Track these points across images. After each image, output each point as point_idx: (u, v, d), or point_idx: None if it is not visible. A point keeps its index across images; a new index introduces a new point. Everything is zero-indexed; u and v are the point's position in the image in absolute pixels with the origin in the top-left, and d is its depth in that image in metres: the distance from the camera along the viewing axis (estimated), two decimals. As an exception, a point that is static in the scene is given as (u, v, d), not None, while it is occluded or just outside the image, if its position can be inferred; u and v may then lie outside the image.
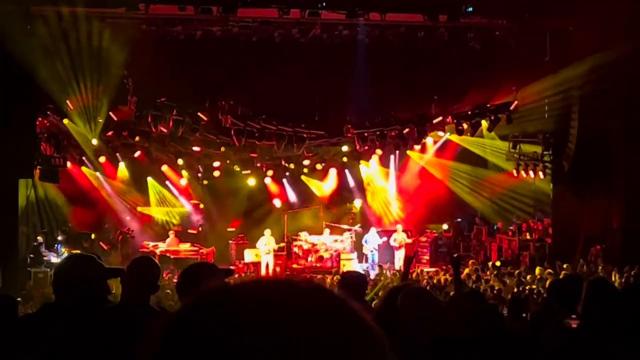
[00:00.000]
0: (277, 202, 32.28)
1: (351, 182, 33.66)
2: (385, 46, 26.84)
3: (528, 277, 21.99)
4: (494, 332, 5.76)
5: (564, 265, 23.27)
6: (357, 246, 29.71)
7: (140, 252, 27.44)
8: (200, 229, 31.18)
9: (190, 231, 30.96)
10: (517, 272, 23.24)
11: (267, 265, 27.69)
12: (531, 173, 28.69)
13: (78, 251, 25.22)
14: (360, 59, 27.46)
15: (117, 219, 31.25)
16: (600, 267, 23.46)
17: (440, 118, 29.76)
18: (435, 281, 22.16)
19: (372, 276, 25.18)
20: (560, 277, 16.73)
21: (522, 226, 30.14)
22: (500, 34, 27.19)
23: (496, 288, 19.41)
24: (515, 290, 19.01)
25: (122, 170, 31.63)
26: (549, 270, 22.43)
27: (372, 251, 29.14)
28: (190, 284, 5.58)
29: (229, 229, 31.24)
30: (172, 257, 27.50)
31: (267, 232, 28.42)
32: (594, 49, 24.65)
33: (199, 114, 28.75)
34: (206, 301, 1.43)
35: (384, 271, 25.88)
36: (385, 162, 33.44)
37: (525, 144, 29.35)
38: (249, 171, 32.02)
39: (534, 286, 19.64)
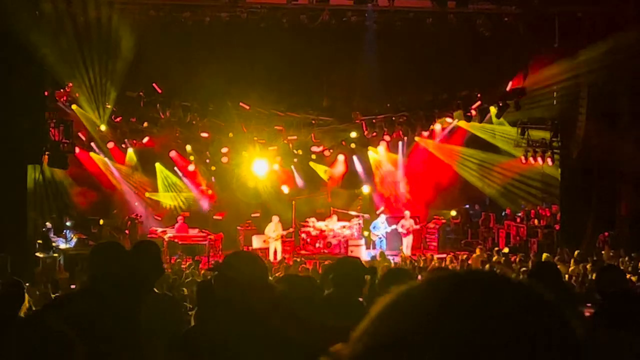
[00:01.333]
0: (285, 188, 32.26)
1: (359, 168, 33.67)
2: (394, 32, 26.76)
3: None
4: None
5: (574, 253, 23.26)
6: (365, 232, 29.74)
7: (149, 238, 27.55)
8: (211, 213, 31.31)
9: (216, 217, 31.07)
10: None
11: (275, 251, 27.69)
12: (539, 159, 28.64)
13: (85, 237, 25.49)
14: (369, 45, 27.42)
15: (126, 204, 31.31)
16: (611, 253, 23.41)
17: (448, 104, 29.73)
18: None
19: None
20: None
21: (531, 212, 30.10)
22: (509, 19, 27.08)
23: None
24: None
25: (131, 155, 31.68)
26: (557, 257, 22.41)
27: (380, 237, 29.14)
28: None
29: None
30: (180, 242, 27.53)
31: (275, 218, 28.43)
32: (602, 34, 24.57)
33: (207, 100, 28.81)
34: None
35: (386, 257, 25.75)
36: (393, 148, 33.42)
37: (533, 129, 29.30)
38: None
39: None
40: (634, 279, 17.11)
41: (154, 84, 28.44)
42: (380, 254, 25.36)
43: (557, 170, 28.70)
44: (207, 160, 32.57)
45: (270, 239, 28.02)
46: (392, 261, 24.26)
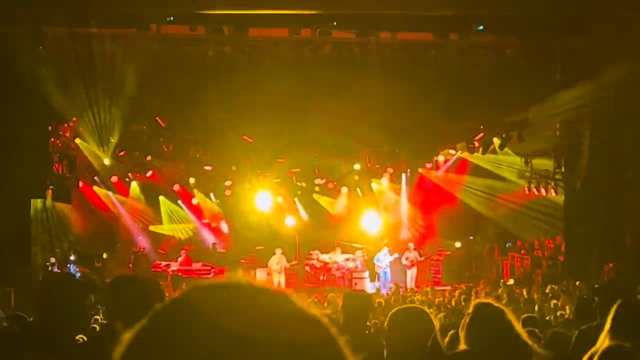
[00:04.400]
0: (288, 221, 32.21)
1: (363, 201, 33.64)
2: (396, 65, 26.82)
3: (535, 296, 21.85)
4: None
5: (577, 283, 23.17)
6: (369, 264, 29.67)
7: (152, 272, 27.57)
8: (215, 247, 31.28)
9: (219, 250, 31.03)
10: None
11: (279, 284, 27.61)
12: (543, 191, 28.62)
13: (88, 271, 25.48)
14: (371, 77, 27.46)
15: (130, 238, 31.28)
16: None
17: (451, 136, 29.79)
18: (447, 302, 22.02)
19: (383, 292, 25.16)
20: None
21: (535, 244, 30.03)
22: (511, 52, 27.17)
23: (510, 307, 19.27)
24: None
25: (135, 189, 31.69)
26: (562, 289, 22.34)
27: (384, 270, 29.07)
28: None
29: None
30: (184, 276, 27.48)
31: (279, 250, 28.41)
32: (604, 66, 24.63)
33: (210, 133, 28.92)
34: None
35: (399, 290, 25.67)
36: (397, 180, 33.42)
37: (537, 160, 29.29)
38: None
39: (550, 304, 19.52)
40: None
41: (157, 118, 28.50)
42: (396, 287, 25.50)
43: (562, 201, 28.66)
44: (211, 194, 32.56)
45: (273, 272, 27.97)
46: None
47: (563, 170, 28.19)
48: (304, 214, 33.00)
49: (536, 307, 18.79)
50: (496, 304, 5.28)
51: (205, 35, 25.56)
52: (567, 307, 17.88)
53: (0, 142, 22.49)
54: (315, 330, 1.40)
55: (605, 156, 25.94)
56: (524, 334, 5.05)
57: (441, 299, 22.40)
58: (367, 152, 31.06)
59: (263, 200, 32.01)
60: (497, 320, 5.06)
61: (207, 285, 1.44)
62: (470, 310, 5.20)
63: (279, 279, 27.87)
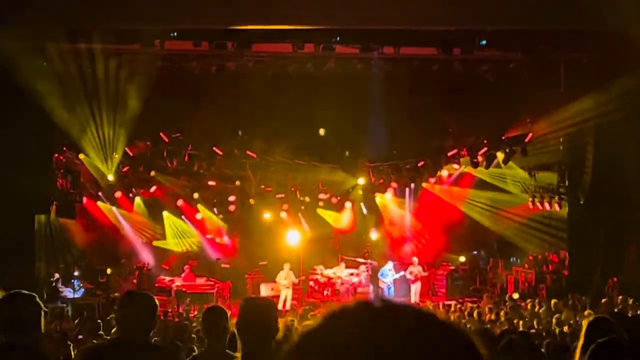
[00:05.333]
0: (293, 236, 32.14)
1: (367, 215, 33.62)
2: (400, 79, 26.85)
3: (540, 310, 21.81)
4: None
5: (583, 298, 23.15)
6: (373, 279, 29.65)
7: (156, 287, 27.54)
8: (219, 262, 31.27)
9: (223, 266, 31.00)
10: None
11: (286, 299, 27.60)
12: (547, 205, 28.60)
13: (92, 286, 25.47)
14: (375, 92, 27.48)
15: (134, 253, 31.25)
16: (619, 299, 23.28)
17: (455, 151, 29.79)
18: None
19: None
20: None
21: (539, 258, 30.01)
22: (514, 66, 27.21)
23: (514, 322, 19.24)
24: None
25: (139, 204, 31.69)
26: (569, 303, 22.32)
27: (388, 285, 29.04)
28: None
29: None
30: (187, 291, 27.46)
31: (287, 266, 28.34)
32: (608, 78, 24.64)
33: (214, 148, 28.93)
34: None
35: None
36: (400, 194, 33.42)
37: (542, 174, 29.29)
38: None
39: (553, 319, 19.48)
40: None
41: (161, 133, 28.53)
42: None
43: (566, 216, 28.63)
44: (215, 209, 32.56)
45: (281, 287, 27.94)
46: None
47: (567, 184, 28.18)
48: (307, 229, 32.94)
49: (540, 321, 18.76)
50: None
51: (208, 50, 25.63)
52: (571, 321, 17.87)
53: (4, 157, 22.51)
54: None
55: (609, 170, 25.92)
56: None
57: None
58: (370, 167, 31.04)
59: (267, 215, 32.07)
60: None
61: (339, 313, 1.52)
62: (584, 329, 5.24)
63: (287, 294, 27.82)
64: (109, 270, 29.10)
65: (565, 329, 16.19)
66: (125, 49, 25.42)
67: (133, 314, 5.91)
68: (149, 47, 24.74)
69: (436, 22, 21.86)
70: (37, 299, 5.82)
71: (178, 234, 32.55)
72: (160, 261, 31.43)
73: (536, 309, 21.79)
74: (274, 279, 28.41)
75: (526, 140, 28.31)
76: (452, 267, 31.46)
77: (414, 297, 28.27)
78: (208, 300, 26.65)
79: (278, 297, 27.72)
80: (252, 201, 31.96)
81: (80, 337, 16.73)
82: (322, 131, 29.68)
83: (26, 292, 5.85)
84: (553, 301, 22.32)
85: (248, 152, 29.82)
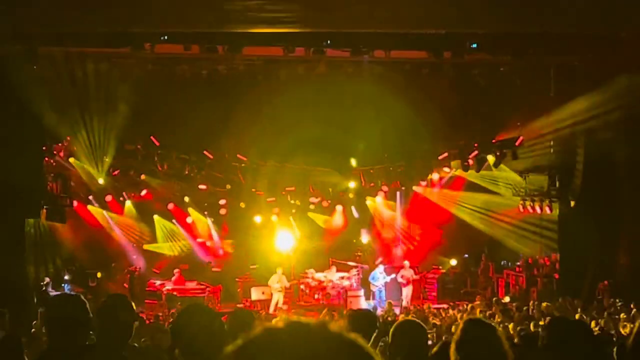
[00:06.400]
0: (283, 239, 32.11)
1: (358, 219, 33.61)
2: (390, 83, 26.85)
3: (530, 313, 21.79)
4: None
5: (575, 301, 23.16)
6: (364, 283, 29.64)
7: (147, 291, 27.52)
8: (209, 266, 31.25)
9: (214, 269, 30.96)
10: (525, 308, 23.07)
11: (277, 303, 27.60)
12: (537, 208, 28.61)
13: (83, 290, 25.38)
14: (366, 96, 27.47)
15: (124, 257, 31.20)
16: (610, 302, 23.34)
17: (445, 154, 29.81)
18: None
19: (379, 312, 25.10)
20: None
21: (530, 261, 30.03)
22: (505, 70, 27.27)
23: (506, 324, 19.23)
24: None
25: (129, 208, 31.64)
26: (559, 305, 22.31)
27: (379, 288, 29.03)
28: None
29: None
30: (178, 295, 27.43)
31: (279, 270, 28.35)
32: (598, 82, 24.68)
33: (205, 152, 28.92)
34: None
35: (392, 307, 25.65)
36: (391, 198, 33.42)
37: (533, 177, 29.30)
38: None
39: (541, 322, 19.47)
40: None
41: (151, 137, 28.49)
42: (389, 305, 25.47)
43: (557, 219, 28.65)
44: (205, 212, 32.54)
45: (274, 290, 27.93)
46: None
47: (557, 187, 28.21)
48: (298, 233, 32.91)
49: (531, 325, 18.75)
50: (487, 322, 5.32)
51: (199, 54, 25.60)
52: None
53: (-6, 161, 22.45)
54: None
55: (600, 173, 25.95)
56: (510, 354, 5.05)
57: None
58: (361, 170, 31.05)
59: (258, 219, 32.08)
60: (486, 337, 5.08)
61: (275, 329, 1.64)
62: (461, 325, 5.20)
63: (278, 298, 27.82)
64: (99, 274, 29.06)
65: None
66: (116, 53, 25.37)
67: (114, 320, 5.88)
68: (139, 51, 24.71)
69: (427, 26, 21.85)
70: None
71: (169, 237, 32.52)
72: (151, 265, 31.40)
73: (528, 313, 21.76)
74: (265, 282, 28.41)
75: (517, 143, 28.33)
76: (444, 271, 31.47)
77: (405, 301, 28.25)
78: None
79: (269, 300, 27.76)
80: (242, 205, 31.93)
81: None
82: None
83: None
84: (544, 304, 22.32)
85: (239, 156, 29.82)
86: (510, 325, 18.59)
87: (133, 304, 5.94)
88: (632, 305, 21.12)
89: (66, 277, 27.96)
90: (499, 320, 19.93)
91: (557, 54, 26.08)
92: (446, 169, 31.57)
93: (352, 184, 31.61)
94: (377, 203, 33.47)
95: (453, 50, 25.95)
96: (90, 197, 30.33)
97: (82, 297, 5.83)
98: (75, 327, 5.50)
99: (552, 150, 28.53)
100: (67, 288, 26.86)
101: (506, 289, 29.86)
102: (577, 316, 19.60)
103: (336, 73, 26.86)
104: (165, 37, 24.79)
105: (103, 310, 5.84)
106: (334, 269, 29.90)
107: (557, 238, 28.90)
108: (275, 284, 28.02)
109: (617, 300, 22.69)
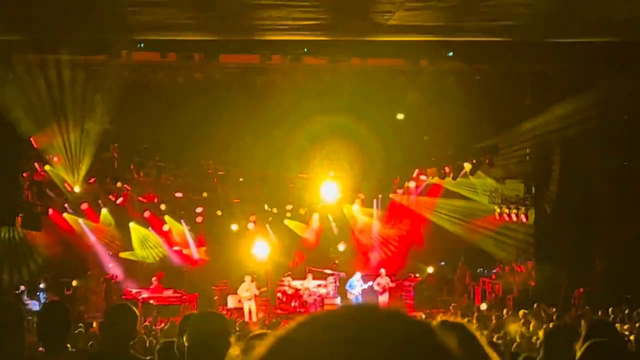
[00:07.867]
0: (260, 247, 32.00)
1: (334, 226, 33.59)
2: (367, 91, 26.89)
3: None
4: None
5: (551, 309, 23.20)
6: (341, 291, 29.62)
7: (123, 299, 27.36)
8: (186, 274, 31.18)
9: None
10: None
11: (250, 311, 27.46)
12: (514, 216, 28.70)
13: (58, 299, 25.20)
14: (342, 103, 27.48)
15: (101, 265, 31.03)
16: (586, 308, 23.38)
17: (422, 162, 29.87)
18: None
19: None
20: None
21: (506, 269, 30.10)
22: (481, 77, 27.35)
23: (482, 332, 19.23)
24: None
25: (105, 216, 31.48)
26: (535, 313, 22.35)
27: (356, 296, 29.02)
28: None
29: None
30: (155, 304, 27.31)
31: (248, 278, 28.17)
32: (573, 90, 24.81)
33: (181, 159, 28.87)
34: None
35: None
36: (368, 205, 33.44)
37: (509, 184, 29.37)
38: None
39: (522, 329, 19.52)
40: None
41: (127, 145, 28.41)
42: None
43: (533, 227, 28.73)
44: (182, 220, 32.42)
45: (243, 299, 27.81)
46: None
47: (533, 194, 28.31)
48: (275, 240, 32.82)
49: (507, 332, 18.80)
50: (467, 325, 5.28)
51: (175, 61, 25.56)
52: (539, 332, 17.90)
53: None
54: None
55: (575, 181, 26.07)
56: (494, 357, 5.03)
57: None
58: (338, 178, 31.04)
59: (234, 226, 31.99)
60: (467, 340, 5.06)
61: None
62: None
63: (249, 306, 27.68)
64: (74, 283, 28.88)
65: (534, 339, 16.22)
66: (92, 60, 25.29)
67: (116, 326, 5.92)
68: (115, 58, 24.64)
69: (403, 33, 21.87)
70: None
71: (145, 245, 32.37)
72: (127, 273, 31.23)
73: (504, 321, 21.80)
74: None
75: (493, 151, 28.43)
76: (420, 278, 31.46)
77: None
78: (175, 312, 26.49)
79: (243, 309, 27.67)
80: (219, 212, 31.85)
81: (41, 349, 16.59)
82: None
83: None
84: (521, 312, 22.37)
85: (213, 163, 29.77)
86: (485, 333, 18.64)
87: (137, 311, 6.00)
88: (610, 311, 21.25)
89: (41, 286, 27.78)
90: (475, 327, 19.92)
91: (532, 62, 26.19)
92: (423, 177, 31.63)
93: (329, 192, 31.57)
94: (354, 211, 33.46)
95: (429, 58, 26.02)
96: (66, 205, 30.16)
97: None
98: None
99: (528, 158, 28.63)
100: (42, 296, 26.69)
101: (482, 296, 29.90)
102: (551, 325, 19.66)
103: (313, 81, 26.89)
104: (142, 45, 24.74)
105: (107, 320, 5.91)
106: (310, 276, 29.85)
107: (533, 245, 29.00)
108: (244, 292, 27.81)
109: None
